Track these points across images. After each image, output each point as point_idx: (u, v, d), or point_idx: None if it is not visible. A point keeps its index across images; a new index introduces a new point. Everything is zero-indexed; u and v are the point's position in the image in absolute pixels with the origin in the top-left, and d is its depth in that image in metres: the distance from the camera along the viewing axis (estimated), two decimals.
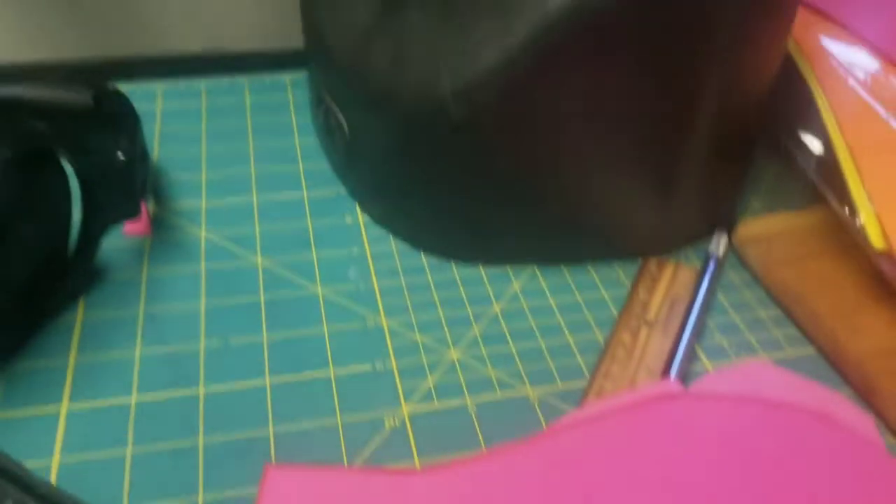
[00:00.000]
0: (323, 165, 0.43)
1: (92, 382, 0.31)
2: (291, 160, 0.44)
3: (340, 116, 0.40)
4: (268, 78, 0.50)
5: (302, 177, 0.42)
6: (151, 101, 0.48)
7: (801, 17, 0.42)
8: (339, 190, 0.42)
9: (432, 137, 0.35)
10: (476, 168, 0.36)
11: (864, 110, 0.36)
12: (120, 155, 0.34)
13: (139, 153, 0.36)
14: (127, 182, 0.34)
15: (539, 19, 0.31)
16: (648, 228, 0.38)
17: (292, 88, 0.49)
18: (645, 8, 0.31)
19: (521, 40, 0.32)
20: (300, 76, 0.51)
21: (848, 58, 0.39)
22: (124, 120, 0.37)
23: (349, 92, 0.39)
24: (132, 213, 0.35)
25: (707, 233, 0.39)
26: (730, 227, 0.39)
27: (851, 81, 0.38)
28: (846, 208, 0.35)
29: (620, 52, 0.32)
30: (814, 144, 0.39)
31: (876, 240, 0.33)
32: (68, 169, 0.33)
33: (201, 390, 0.31)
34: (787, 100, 0.40)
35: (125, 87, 0.49)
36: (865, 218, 0.34)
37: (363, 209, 0.41)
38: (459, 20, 0.34)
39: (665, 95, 0.34)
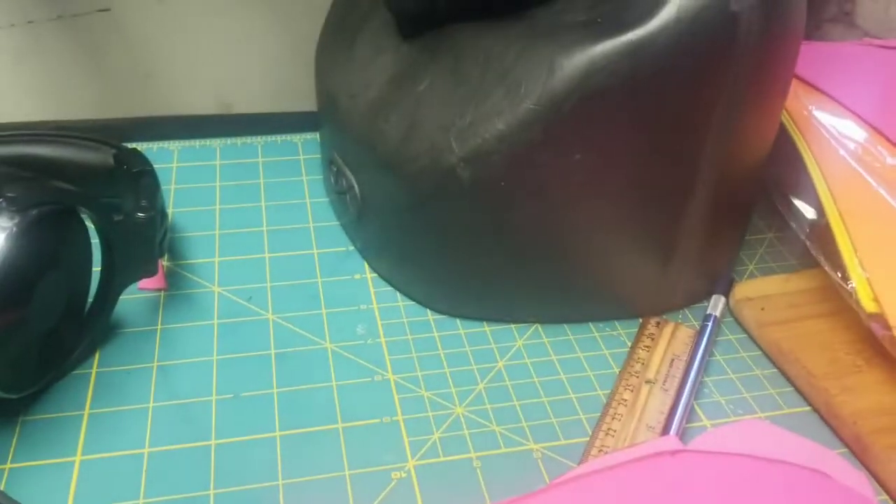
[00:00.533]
0: (333, 224, 0.45)
1: (106, 433, 0.32)
2: (302, 219, 0.45)
3: (352, 177, 0.41)
4: (280, 139, 0.52)
5: (312, 235, 0.44)
6: (168, 160, 0.49)
7: (793, 88, 0.44)
8: (349, 248, 0.43)
9: (441, 200, 0.37)
10: (482, 230, 0.37)
11: (855, 179, 0.38)
12: (140, 215, 0.35)
13: (158, 212, 0.37)
14: (146, 241, 0.36)
15: (545, 94, 0.33)
16: (649, 289, 0.39)
17: (303, 150, 0.51)
18: (644, 87, 0.33)
19: (527, 111, 0.33)
20: (311, 138, 0.52)
21: (838, 128, 0.41)
22: (144, 179, 0.39)
23: (361, 155, 0.40)
24: (150, 271, 0.36)
25: (705, 294, 0.41)
26: (727, 289, 0.40)
27: (842, 151, 0.40)
28: (838, 273, 0.36)
29: (622, 125, 0.34)
30: (807, 210, 0.40)
31: (867, 303, 0.35)
32: (90, 227, 0.35)
33: (213, 442, 0.32)
34: (782, 167, 0.42)
35: (143, 147, 0.51)
36: (857, 282, 0.35)
37: (372, 266, 0.42)
38: (469, 91, 0.36)
39: (665, 165, 0.35)
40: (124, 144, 0.49)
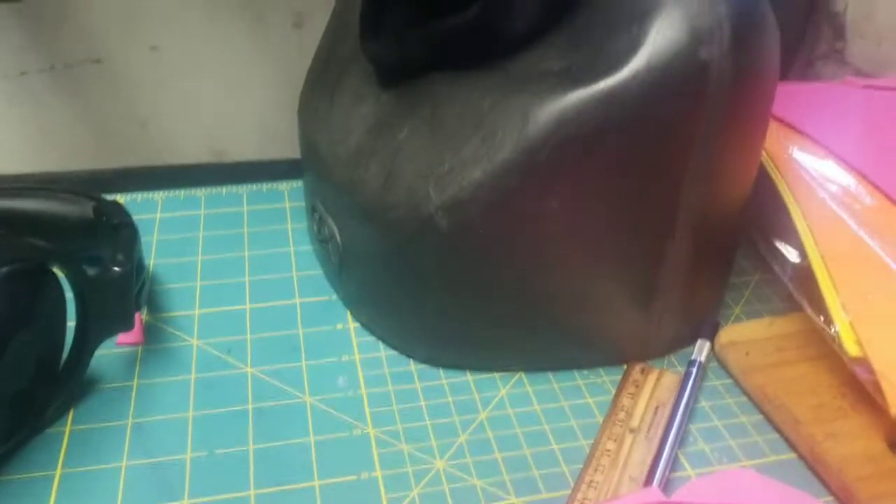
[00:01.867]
0: (316, 273, 0.45)
1: (77, 494, 0.32)
2: (286, 268, 0.45)
3: (333, 226, 0.41)
4: (265, 187, 0.52)
5: (295, 284, 0.44)
6: (152, 210, 0.49)
7: (774, 130, 0.44)
8: (332, 297, 0.43)
9: (420, 248, 0.37)
10: (463, 277, 0.37)
11: (836, 222, 0.38)
12: (116, 269, 0.35)
13: (135, 266, 0.37)
14: (122, 296, 0.35)
15: (520, 143, 0.33)
16: (632, 335, 0.39)
17: (289, 197, 0.51)
18: (618, 135, 0.33)
19: (504, 160, 0.33)
20: (297, 185, 0.52)
21: (818, 170, 0.41)
22: (123, 232, 0.39)
23: (342, 204, 0.40)
24: (126, 326, 0.36)
25: (690, 339, 0.40)
26: (712, 334, 0.40)
27: (822, 194, 0.39)
28: (821, 317, 0.36)
29: (598, 172, 0.34)
30: (790, 253, 0.40)
31: (851, 347, 0.34)
32: (64, 282, 0.34)
33: (185, 503, 0.31)
34: (764, 209, 0.42)
35: (127, 197, 0.51)
36: (840, 326, 0.35)
37: (354, 316, 0.42)
38: (446, 140, 0.36)
39: (643, 210, 0.35)
40: (107, 196, 0.49)
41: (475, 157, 0.34)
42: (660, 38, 0.32)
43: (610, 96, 0.32)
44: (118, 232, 0.39)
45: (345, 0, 0.46)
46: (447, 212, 0.35)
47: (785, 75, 1.01)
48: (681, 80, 0.32)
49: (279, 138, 0.76)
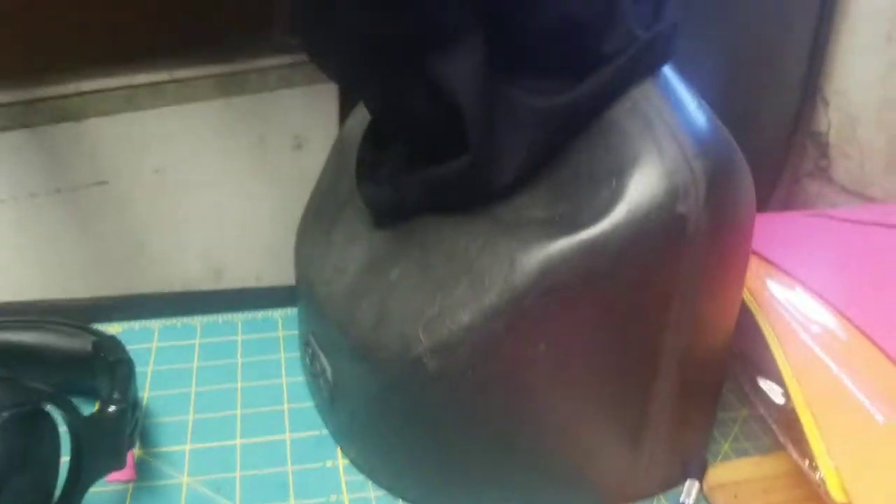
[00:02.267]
0: (308, 405, 0.45)
1: None
2: (277, 401, 0.45)
3: (325, 362, 0.42)
4: (260, 315, 0.53)
5: (286, 418, 0.44)
6: (149, 339, 0.50)
7: (752, 265, 0.45)
8: (322, 431, 0.43)
9: (408, 388, 0.37)
10: (451, 417, 0.37)
11: (817, 365, 0.39)
12: (111, 409, 0.36)
13: (130, 404, 0.37)
14: (116, 435, 0.36)
15: (507, 288, 0.34)
16: (620, 475, 0.39)
17: (283, 326, 0.52)
18: (601, 283, 0.34)
19: (491, 304, 0.35)
20: (291, 312, 0.53)
21: (798, 307, 0.42)
22: (119, 369, 0.40)
23: (335, 341, 0.41)
24: (118, 465, 0.36)
25: (678, 479, 0.40)
26: (701, 473, 0.40)
27: (803, 334, 0.40)
28: (807, 461, 0.36)
29: (582, 318, 0.35)
30: (773, 393, 0.41)
31: (836, 493, 0.34)
32: (59, 422, 0.35)
33: None
34: (747, 345, 0.43)
35: (125, 325, 0.52)
36: (826, 472, 0.35)
37: (344, 452, 0.42)
38: (436, 282, 0.37)
39: (629, 353, 0.36)
40: (106, 325, 0.50)
41: (463, 301, 0.35)
42: (638, 193, 0.34)
43: (592, 246, 0.34)
44: (115, 369, 0.40)
45: (343, 140, 0.48)
46: (436, 354, 0.36)
47: (771, 193, 1.04)
48: (659, 233, 0.34)
49: (277, 259, 0.77)
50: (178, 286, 0.77)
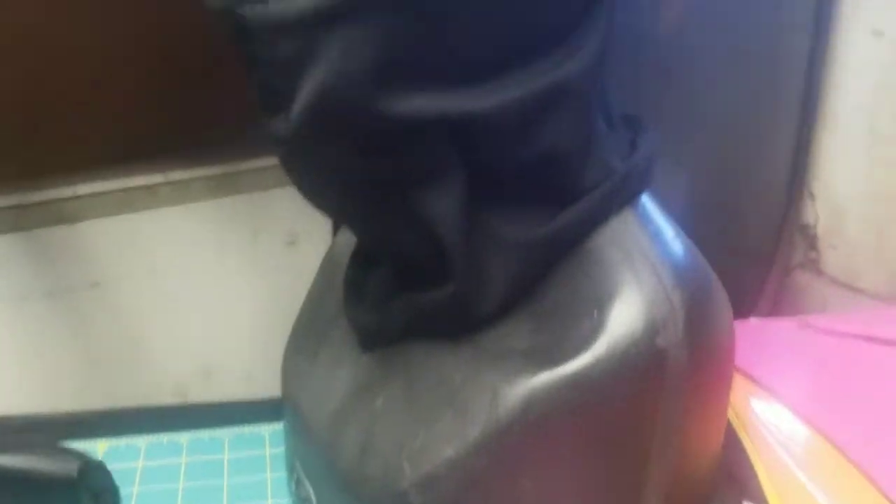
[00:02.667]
0: None
1: None
2: None
3: (310, 489, 0.42)
4: (248, 430, 0.53)
5: None
6: (134, 457, 0.50)
7: (737, 384, 0.45)
8: None
9: None
10: None
11: (797, 487, 0.38)
12: None
13: None
14: None
15: (491, 422, 0.34)
16: None
17: (271, 443, 0.52)
18: (583, 416, 0.34)
19: (475, 439, 0.35)
20: (278, 427, 0.53)
21: (781, 428, 0.42)
22: (103, 499, 0.39)
23: (320, 468, 0.41)
24: None
25: None
26: None
27: (785, 456, 0.40)
28: None
29: (566, 450, 0.35)
30: None
31: None
32: None
33: None
34: (734, 467, 0.43)
35: (111, 442, 0.51)
36: None
37: None
38: (420, 412, 0.37)
39: (613, 484, 0.36)
40: (91, 445, 0.49)
41: (448, 434, 0.35)
42: (618, 326, 0.34)
43: (575, 380, 0.34)
44: (99, 499, 0.39)
45: (332, 256, 0.49)
46: (421, 489, 0.35)
47: (762, 285, 1.04)
48: (639, 366, 0.34)
49: (268, 358, 0.77)
50: (167, 386, 0.77)
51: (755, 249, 0.95)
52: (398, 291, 0.40)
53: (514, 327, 0.37)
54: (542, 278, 0.37)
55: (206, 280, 0.77)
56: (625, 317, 0.34)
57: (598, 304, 0.35)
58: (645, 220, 0.37)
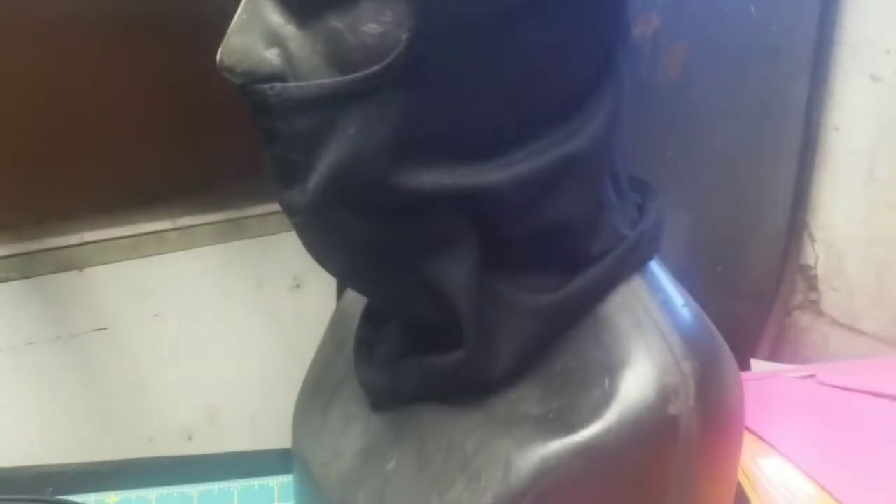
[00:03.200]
0: None
1: None
2: None
3: None
4: (257, 483, 0.53)
5: None
6: None
7: (746, 443, 0.45)
8: None
9: None
10: None
11: None
12: None
13: None
14: None
15: (504, 490, 0.35)
16: None
17: (279, 496, 0.52)
18: (596, 483, 0.34)
19: None
20: (286, 480, 0.53)
21: (788, 487, 0.43)
22: None
23: None
24: None
25: None
26: None
27: None
28: None
29: None
30: None
31: None
32: None
33: None
34: None
35: (122, 494, 0.51)
36: None
37: None
38: (432, 477, 0.37)
39: None
40: (103, 494, 0.49)
41: (461, 502, 0.36)
42: (630, 395, 0.35)
43: (587, 449, 0.34)
44: None
45: (342, 312, 0.49)
46: None
47: (763, 326, 1.04)
48: (652, 434, 0.35)
49: (271, 400, 0.77)
50: (172, 429, 0.77)
51: (756, 290, 0.95)
52: (409, 353, 0.40)
53: (525, 392, 0.38)
54: (552, 343, 0.37)
55: (211, 324, 0.78)
56: (636, 385, 0.35)
57: (610, 372, 0.35)
58: (654, 286, 0.37)
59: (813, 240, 0.96)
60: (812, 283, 0.98)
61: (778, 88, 0.90)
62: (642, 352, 0.35)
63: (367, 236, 0.36)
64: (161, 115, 0.75)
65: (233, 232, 0.77)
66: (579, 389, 0.36)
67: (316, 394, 0.47)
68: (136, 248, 0.73)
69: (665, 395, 0.34)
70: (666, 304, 0.37)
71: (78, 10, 0.66)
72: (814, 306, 0.98)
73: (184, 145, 0.76)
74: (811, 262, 0.97)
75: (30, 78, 0.68)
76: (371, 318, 0.43)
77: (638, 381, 0.35)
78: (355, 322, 0.44)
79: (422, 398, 0.40)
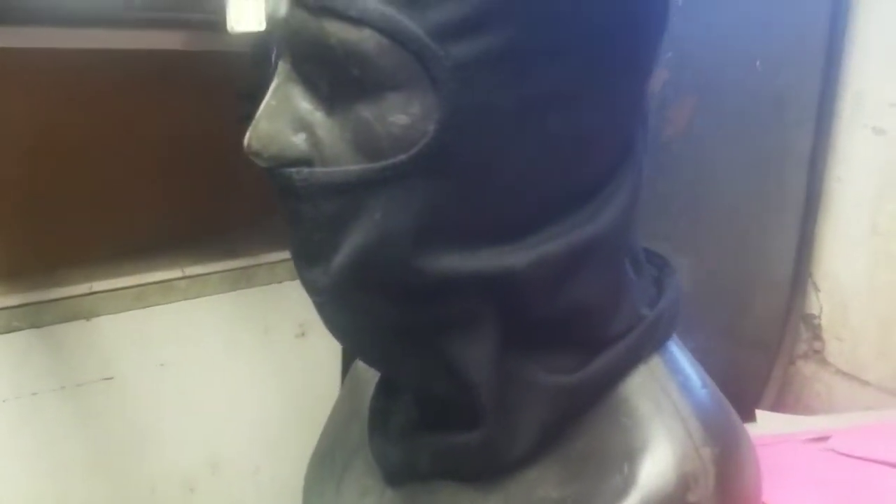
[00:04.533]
0: None
1: None
2: None
3: None
4: None
5: None
6: None
7: None
8: None
9: None
10: None
11: None
12: None
13: None
14: None
15: None
16: None
17: None
18: None
19: None
20: None
21: None
22: None
23: None
24: None
25: None
26: None
27: None
28: None
29: None
30: None
31: None
32: None
33: None
34: None
35: None
36: None
37: None
38: None
39: None
40: None
41: None
42: (649, 482, 0.35)
43: None
44: None
45: (356, 379, 0.49)
46: None
47: (768, 375, 1.04)
48: None
49: (275, 451, 0.77)
50: (175, 478, 0.77)
51: (760, 339, 0.95)
52: (424, 425, 0.40)
53: (543, 473, 0.38)
54: (571, 424, 0.37)
55: (217, 372, 0.77)
56: (656, 472, 0.35)
57: (629, 458, 0.35)
58: (673, 367, 0.38)
59: (817, 290, 0.97)
60: (816, 333, 0.98)
61: (782, 140, 0.91)
62: (662, 437, 0.35)
63: (388, 317, 0.36)
64: (171, 164, 0.75)
65: (241, 280, 0.77)
66: (598, 474, 0.36)
67: (329, 462, 0.47)
68: (143, 298, 0.73)
69: (685, 483, 0.34)
70: (685, 385, 0.37)
71: (91, 60, 0.67)
72: (818, 356, 0.98)
73: (194, 195, 0.77)
74: (815, 311, 0.98)
75: (40, 126, 0.68)
76: (386, 388, 0.43)
77: (658, 467, 0.35)
78: (370, 388, 0.44)
79: (438, 475, 0.40)
